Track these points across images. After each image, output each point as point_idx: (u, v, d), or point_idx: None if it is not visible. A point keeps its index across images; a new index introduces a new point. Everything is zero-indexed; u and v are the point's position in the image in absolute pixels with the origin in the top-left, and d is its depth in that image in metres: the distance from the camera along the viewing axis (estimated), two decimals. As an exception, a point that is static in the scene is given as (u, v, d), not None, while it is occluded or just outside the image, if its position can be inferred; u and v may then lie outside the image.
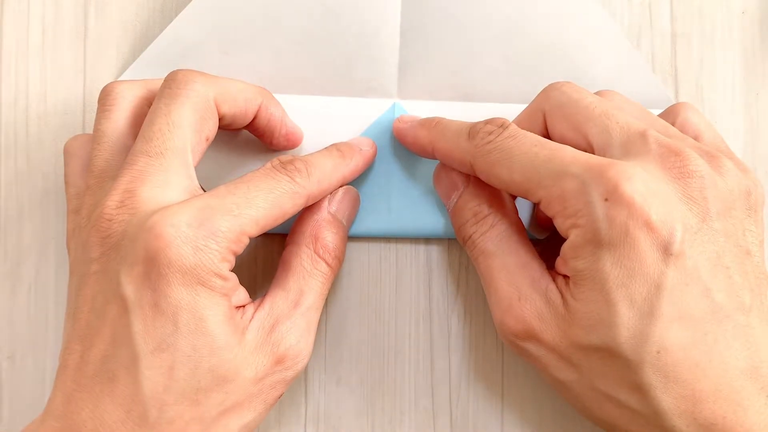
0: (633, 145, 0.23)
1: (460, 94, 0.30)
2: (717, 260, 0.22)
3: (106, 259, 0.22)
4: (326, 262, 0.26)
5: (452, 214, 0.28)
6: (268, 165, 0.25)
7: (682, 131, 0.25)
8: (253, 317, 0.24)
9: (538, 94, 0.27)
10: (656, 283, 0.21)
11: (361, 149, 0.28)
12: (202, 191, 0.24)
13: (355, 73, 0.30)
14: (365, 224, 0.29)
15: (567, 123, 0.25)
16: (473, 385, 0.29)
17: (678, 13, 0.31)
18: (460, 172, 0.27)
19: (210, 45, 0.29)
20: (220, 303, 0.22)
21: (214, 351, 0.22)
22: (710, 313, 0.21)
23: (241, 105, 0.26)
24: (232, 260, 0.23)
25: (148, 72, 0.29)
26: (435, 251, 0.30)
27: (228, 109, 0.26)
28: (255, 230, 0.23)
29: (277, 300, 0.25)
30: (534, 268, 0.24)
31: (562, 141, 0.25)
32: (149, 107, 0.26)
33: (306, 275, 0.25)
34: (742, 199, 0.23)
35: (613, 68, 0.30)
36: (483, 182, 0.26)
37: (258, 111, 0.27)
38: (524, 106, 0.30)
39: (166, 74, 0.26)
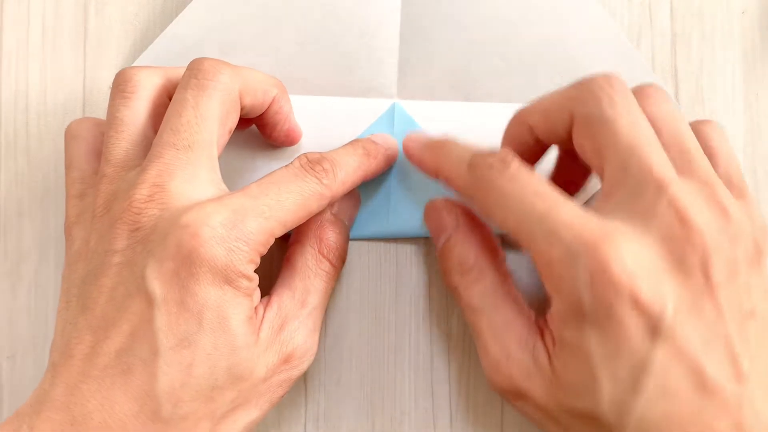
0: (642, 198, 0.22)
1: (460, 94, 0.30)
2: (714, 332, 0.21)
3: (131, 251, 0.22)
4: (330, 262, 0.26)
5: (439, 256, 0.27)
6: (297, 164, 0.25)
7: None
8: (264, 317, 0.24)
9: (572, 87, 0.24)
10: (642, 362, 0.20)
11: (386, 149, 0.28)
12: (223, 184, 0.24)
13: (355, 73, 0.30)
14: (365, 226, 0.29)
15: (591, 142, 0.23)
16: (473, 385, 0.29)
17: (678, 13, 0.31)
18: (450, 213, 0.27)
19: (210, 45, 0.29)
20: (243, 303, 0.22)
21: (234, 350, 0.22)
22: (700, 387, 0.21)
23: (260, 97, 0.26)
24: (258, 261, 0.23)
25: None
26: (435, 251, 0.30)
27: (249, 101, 0.26)
28: (282, 231, 0.23)
29: (284, 299, 0.25)
30: (521, 324, 0.24)
31: (582, 155, 0.24)
32: (168, 97, 0.26)
33: (311, 275, 0.26)
34: (749, 255, 0.22)
35: (614, 68, 0.30)
36: (473, 227, 0.26)
37: (271, 102, 0.27)
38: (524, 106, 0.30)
39: None
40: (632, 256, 0.21)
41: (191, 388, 0.21)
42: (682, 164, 0.23)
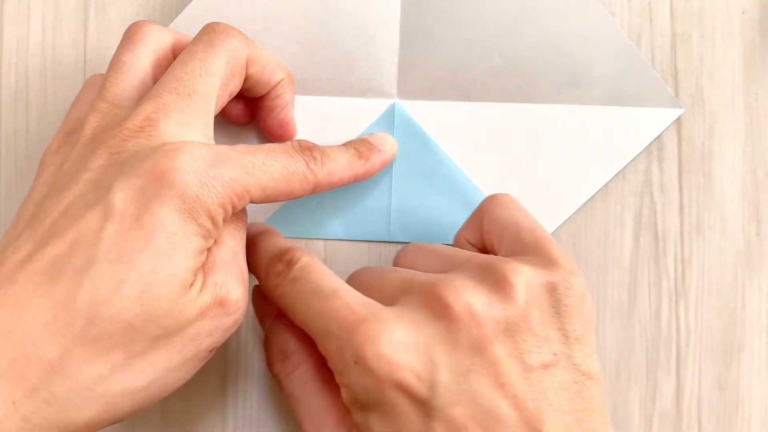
0: (401, 291, 0.23)
1: (460, 93, 0.30)
2: (497, 390, 0.20)
3: (103, 171, 0.22)
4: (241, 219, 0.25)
5: (264, 343, 0.27)
6: (288, 144, 0.25)
7: (487, 236, 0.25)
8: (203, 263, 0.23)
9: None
10: None
11: (380, 150, 0.28)
12: (213, 138, 0.24)
13: (355, 73, 0.30)
14: (365, 229, 0.29)
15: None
16: (473, 385, 0.29)
17: (678, 13, 0.31)
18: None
19: None
20: (197, 241, 0.22)
21: (169, 281, 0.21)
22: None
23: (266, 74, 0.27)
24: (229, 210, 0.22)
25: None
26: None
27: (254, 72, 0.26)
28: (259, 196, 0.23)
29: (212, 250, 0.23)
30: (337, 410, 0.24)
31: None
32: (173, 56, 0.26)
33: (228, 222, 0.24)
34: (540, 304, 0.22)
35: (614, 66, 0.30)
36: None
37: (275, 85, 0.27)
38: (523, 105, 0.30)
39: None
40: (387, 338, 0.21)
41: (113, 306, 0.20)
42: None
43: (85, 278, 0.20)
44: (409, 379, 0.20)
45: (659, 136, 0.30)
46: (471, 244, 0.26)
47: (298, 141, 0.25)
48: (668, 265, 0.30)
